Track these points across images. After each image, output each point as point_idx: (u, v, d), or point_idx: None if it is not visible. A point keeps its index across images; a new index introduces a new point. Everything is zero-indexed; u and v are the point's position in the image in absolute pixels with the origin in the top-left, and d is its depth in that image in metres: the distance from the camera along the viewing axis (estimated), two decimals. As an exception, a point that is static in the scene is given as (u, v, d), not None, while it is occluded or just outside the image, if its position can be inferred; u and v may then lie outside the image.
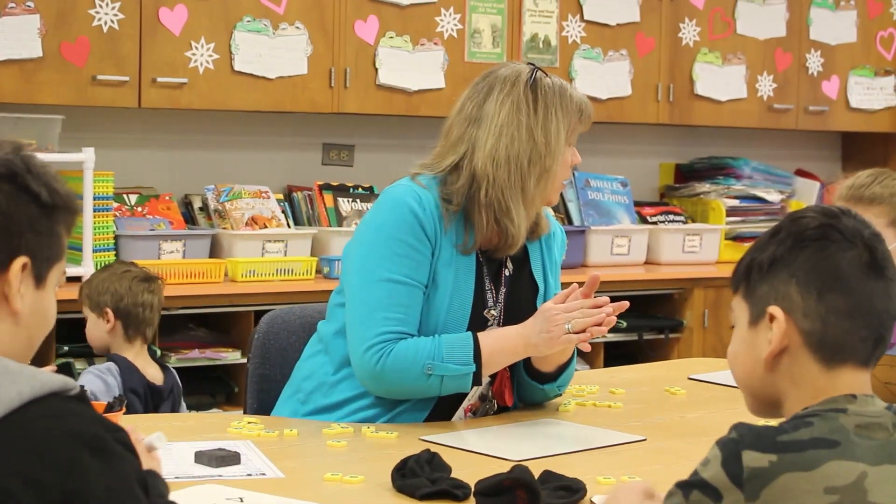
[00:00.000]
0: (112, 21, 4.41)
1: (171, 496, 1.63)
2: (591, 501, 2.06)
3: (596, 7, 5.43)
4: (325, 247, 4.86)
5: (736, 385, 1.72)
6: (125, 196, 4.69)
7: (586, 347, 2.57)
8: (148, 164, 4.90)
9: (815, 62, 6.06)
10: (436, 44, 5.04)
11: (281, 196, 4.98)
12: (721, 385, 3.06)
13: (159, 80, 4.50)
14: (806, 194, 6.15)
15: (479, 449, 2.38)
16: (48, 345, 4.13)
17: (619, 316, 2.58)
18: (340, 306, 2.68)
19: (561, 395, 2.83)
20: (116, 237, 4.50)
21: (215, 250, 4.73)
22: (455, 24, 5.08)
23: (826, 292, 1.59)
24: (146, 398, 3.68)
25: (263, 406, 2.85)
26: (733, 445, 1.53)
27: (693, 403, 2.90)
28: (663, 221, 5.70)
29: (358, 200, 5.05)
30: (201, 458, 2.20)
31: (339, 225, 4.96)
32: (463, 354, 2.55)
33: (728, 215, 5.82)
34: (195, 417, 3.30)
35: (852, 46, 6.18)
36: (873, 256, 1.60)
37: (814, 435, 1.53)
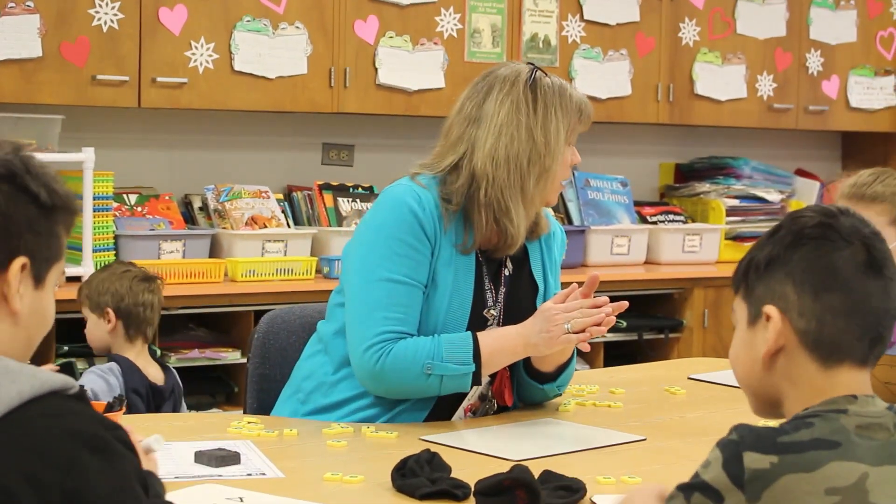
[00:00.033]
0: (112, 21, 4.41)
1: (172, 496, 1.64)
2: (591, 501, 2.06)
3: (596, 7, 5.43)
4: (324, 247, 4.86)
5: (736, 385, 1.72)
6: (125, 196, 4.69)
7: (585, 347, 2.57)
8: (148, 164, 4.90)
9: (814, 62, 6.06)
10: (436, 43, 5.04)
11: (281, 196, 4.98)
12: (721, 385, 3.06)
13: (159, 79, 4.50)
14: (806, 194, 6.15)
15: (478, 449, 2.38)
16: (48, 345, 4.13)
17: (620, 316, 2.58)
18: (340, 306, 2.68)
19: (561, 394, 2.83)
20: (116, 237, 4.50)
21: (215, 250, 4.73)
22: (455, 24, 5.08)
23: (822, 291, 1.58)
24: (148, 398, 3.68)
25: (263, 406, 2.85)
26: (734, 447, 1.52)
27: (693, 403, 2.90)
28: (663, 221, 5.70)
29: (358, 200, 5.05)
30: (201, 457, 2.20)
31: (339, 225, 4.96)
32: (462, 354, 2.55)
33: (728, 215, 5.82)
34: (195, 417, 3.30)
35: (852, 46, 6.18)
36: (871, 255, 1.60)
37: (814, 436, 1.53)
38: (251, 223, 4.75)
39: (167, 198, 4.78)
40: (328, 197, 5.01)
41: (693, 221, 5.81)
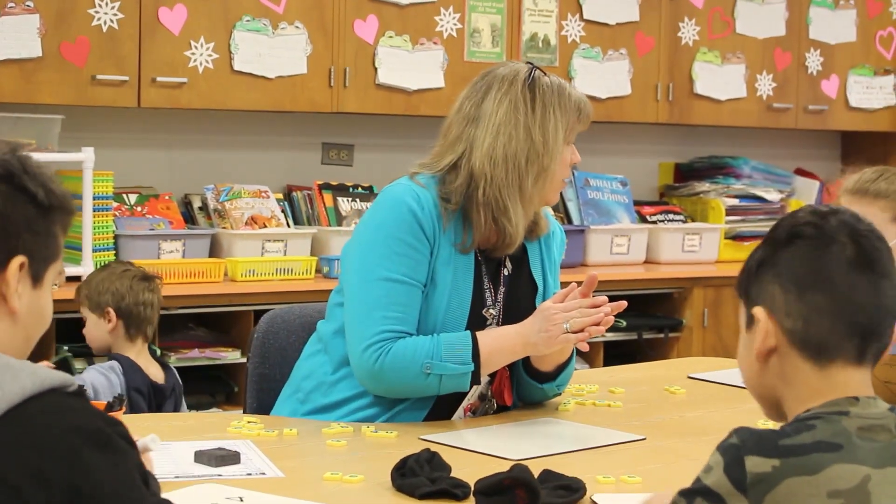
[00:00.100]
0: (112, 21, 4.41)
1: (171, 495, 1.64)
2: (591, 500, 2.06)
3: (595, 6, 5.43)
4: (324, 246, 4.86)
5: (736, 384, 1.72)
6: (125, 196, 4.69)
7: (584, 347, 2.57)
8: (147, 164, 4.90)
9: (814, 61, 6.06)
10: (435, 43, 5.04)
11: (280, 196, 4.98)
12: (720, 384, 3.05)
13: (159, 79, 4.50)
14: (805, 193, 6.15)
15: (478, 448, 2.38)
16: (48, 344, 4.13)
17: (619, 315, 2.58)
18: (340, 306, 2.68)
19: (560, 394, 2.83)
20: (116, 237, 4.50)
21: (215, 250, 4.73)
22: (454, 24, 5.08)
23: (806, 290, 1.58)
24: (150, 397, 3.68)
25: (263, 405, 2.85)
26: (735, 451, 1.51)
27: (692, 402, 2.89)
28: (663, 221, 5.70)
29: (357, 200, 5.05)
30: (201, 457, 2.20)
31: (339, 224, 4.96)
32: (462, 353, 2.55)
33: (728, 214, 5.81)
34: (195, 417, 3.30)
35: (852, 46, 6.18)
36: (860, 251, 1.58)
37: (816, 438, 1.52)
38: (251, 223, 4.75)
39: (167, 198, 4.78)
40: (328, 197, 5.01)
41: (693, 221, 5.81)
